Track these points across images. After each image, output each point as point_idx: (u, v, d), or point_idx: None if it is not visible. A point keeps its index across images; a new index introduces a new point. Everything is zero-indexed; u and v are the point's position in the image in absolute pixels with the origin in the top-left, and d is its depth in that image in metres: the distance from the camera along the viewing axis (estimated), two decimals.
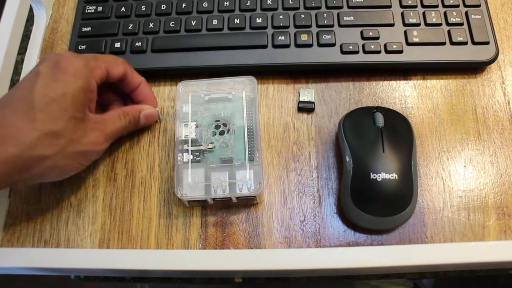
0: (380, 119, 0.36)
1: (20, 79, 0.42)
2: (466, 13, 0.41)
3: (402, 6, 0.42)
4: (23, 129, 0.29)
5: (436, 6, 0.42)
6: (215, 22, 0.42)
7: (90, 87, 0.32)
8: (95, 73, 0.33)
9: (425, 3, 0.42)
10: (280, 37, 0.41)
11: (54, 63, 0.31)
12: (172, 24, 0.42)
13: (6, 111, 0.29)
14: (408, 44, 0.40)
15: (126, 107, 0.37)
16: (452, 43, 0.40)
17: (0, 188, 0.29)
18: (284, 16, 0.42)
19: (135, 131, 0.39)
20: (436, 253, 0.31)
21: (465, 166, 0.37)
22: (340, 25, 0.41)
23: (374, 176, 0.33)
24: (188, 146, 0.35)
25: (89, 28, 0.42)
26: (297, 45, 0.40)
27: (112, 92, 0.38)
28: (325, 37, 0.40)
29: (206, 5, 0.42)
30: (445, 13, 0.41)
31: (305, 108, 0.40)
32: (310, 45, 0.40)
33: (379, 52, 0.40)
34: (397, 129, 0.36)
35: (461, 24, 0.41)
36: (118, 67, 0.35)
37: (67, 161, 0.31)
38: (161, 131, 0.40)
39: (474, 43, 0.40)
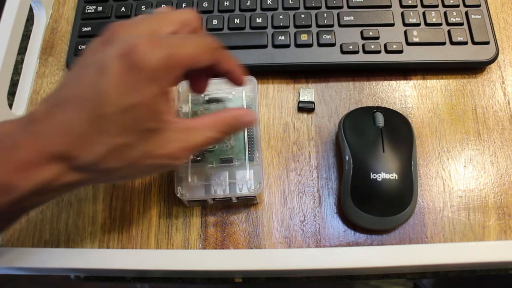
0: (380, 119, 0.36)
1: (20, 79, 0.42)
2: (466, 13, 0.41)
3: (402, 6, 0.42)
4: (89, 142, 0.24)
5: (436, 6, 0.42)
6: (215, 22, 0.42)
7: (168, 90, 0.26)
8: (176, 70, 0.25)
9: (425, 3, 0.42)
10: (280, 37, 0.41)
11: (125, 55, 0.23)
12: None
13: (68, 111, 0.24)
14: (408, 44, 0.40)
15: (219, 113, 0.29)
16: (452, 43, 0.40)
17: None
18: (284, 16, 0.41)
19: None
20: (436, 253, 0.31)
21: (465, 166, 0.37)
22: (340, 25, 0.41)
23: (374, 176, 0.33)
24: None
25: (89, 28, 0.42)
26: (297, 45, 0.40)
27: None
28: (325, 37, 0.40)
29: (206, 5, 0.42)
30: (445, 13, 0.41)
31: (305, 108, 0.40)
32: (310, 45, 0.40)
33: (379, 52, 0.40)
34: (397, 129, 0.36)
35: (461, 24, 0.41)
36: (205, 57, 0.27)
37: (139, 173, 0.28)
38: None
39: (474, 43, 0.40)
